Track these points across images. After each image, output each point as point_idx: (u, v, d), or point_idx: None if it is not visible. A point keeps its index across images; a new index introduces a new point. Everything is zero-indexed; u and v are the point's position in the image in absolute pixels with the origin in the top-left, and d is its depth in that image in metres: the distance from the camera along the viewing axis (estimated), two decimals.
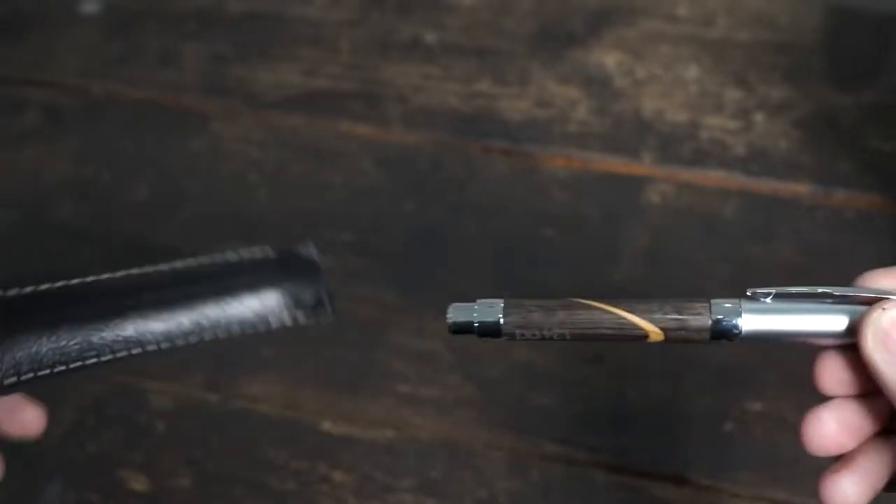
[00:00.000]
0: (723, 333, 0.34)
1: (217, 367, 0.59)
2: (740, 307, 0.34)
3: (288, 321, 0.38)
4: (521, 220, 0.65)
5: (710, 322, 0.34)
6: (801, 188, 0.65)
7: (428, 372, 0.58)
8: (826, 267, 0.60)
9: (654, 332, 0.34)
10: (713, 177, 0.66)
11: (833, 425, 0.34)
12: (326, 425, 0.56)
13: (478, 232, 0.64)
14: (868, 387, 0.34)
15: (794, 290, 0.34)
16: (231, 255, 0.38)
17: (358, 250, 0.64)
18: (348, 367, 0.58)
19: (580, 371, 0.57)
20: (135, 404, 0.58)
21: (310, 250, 0.39)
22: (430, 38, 0.76)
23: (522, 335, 0.35)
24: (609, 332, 0.34)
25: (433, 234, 0.65)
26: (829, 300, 0.34)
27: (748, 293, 0.34)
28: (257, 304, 0.36)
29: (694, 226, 0.63)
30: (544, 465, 0.54)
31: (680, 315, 0.34)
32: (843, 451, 0.35)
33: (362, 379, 0.58)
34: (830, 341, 0.34)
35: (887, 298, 0.33)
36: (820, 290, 0.34)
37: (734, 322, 0.34)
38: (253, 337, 0.40)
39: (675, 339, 0.34)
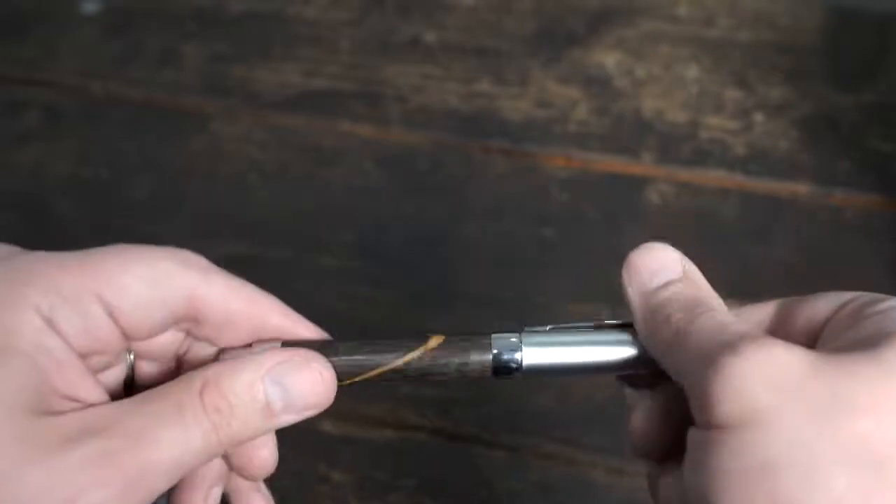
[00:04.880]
0: (503, 368, 0.33)
1: None
2: (520, 341, 0.33)
3: None
4: (521, 220, 0.65)
5: (490, 358, 0.33)
6: (801, 188, 0.65)
7: None
8: (826, 267, 0.60)
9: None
10: (713, 177, 0.66)
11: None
12: (326, 425, 0.56)
13: (478, 232, 0.64)
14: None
15: (572, 325, 0.34)
16: None
17: (358, 250, 0.64)
18: None
19: None
20: None
21: None
22: (430, 38, 0.76)
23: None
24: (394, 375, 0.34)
25: (433, 234, 0.65)
26: (609, 329, 0.33)
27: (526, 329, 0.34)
28: None
29: (694, 226, 0.63)
30: (544, 465, 0.54)
31: (453, 356, 0.33)
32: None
33: None
34: (624, 371, 0.33)
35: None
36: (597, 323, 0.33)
37: (514, 356, 0.33)
38: None
39: (452, 377, 0.34)
